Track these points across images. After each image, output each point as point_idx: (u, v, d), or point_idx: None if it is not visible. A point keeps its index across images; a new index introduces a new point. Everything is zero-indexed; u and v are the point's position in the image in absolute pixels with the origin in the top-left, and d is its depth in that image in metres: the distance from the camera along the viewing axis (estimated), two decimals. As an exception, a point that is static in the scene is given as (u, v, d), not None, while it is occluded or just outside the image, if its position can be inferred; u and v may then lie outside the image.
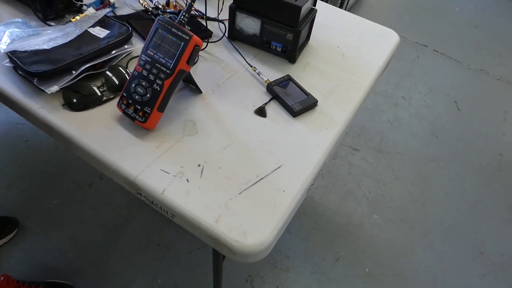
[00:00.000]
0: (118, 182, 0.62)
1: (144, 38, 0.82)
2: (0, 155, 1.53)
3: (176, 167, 0.61)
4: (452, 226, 1.56)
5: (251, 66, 0.80)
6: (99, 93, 0.69)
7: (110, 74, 0.71)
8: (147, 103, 0.63)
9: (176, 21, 0.62)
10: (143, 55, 0.63)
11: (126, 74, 0.71)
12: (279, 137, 0.69)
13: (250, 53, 0.85)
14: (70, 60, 0.68)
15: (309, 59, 0.86)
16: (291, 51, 0.82)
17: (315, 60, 0.86)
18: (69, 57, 0.68)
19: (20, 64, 0.66)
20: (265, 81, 0.77)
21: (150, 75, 0.62)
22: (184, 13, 0.62)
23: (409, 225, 1.54)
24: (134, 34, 0.80)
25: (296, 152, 0.66)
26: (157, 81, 0.62)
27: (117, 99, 0.69)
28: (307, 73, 0.82)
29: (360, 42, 0.94)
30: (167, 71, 0.61)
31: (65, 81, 0.67)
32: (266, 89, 0.77)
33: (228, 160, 0.63)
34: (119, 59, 0.75)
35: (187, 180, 0.59)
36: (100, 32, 0.75)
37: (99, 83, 0.71)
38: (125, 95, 0.64)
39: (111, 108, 0.68)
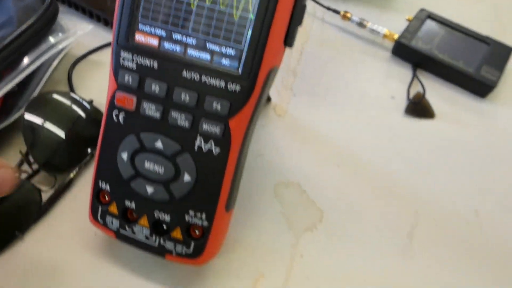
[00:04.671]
0: None
1: (88, 14, 0.36)
2: None
3: None
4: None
5: (338, 12, 0.38)
6: (32, 186, 0.25)
7: (37, 122, 0.27)
8: (190, 204, 0.20)
9: None
10: (124, 55, 0.19)
11: (78, 110, 0.27)
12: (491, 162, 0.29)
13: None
14: None
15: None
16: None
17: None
18: None
19: None
20: (383, 35, 0.36)
21: (176, 116, 0.19)
22: None
23: None
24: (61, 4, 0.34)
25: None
26: (207, 126, 0.19)
27: (74, 191, 0.26)
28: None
29: None
30: (233, 86, 0.18)
31: None
32: (393, 52, 0.35)
33: None
34: (47, 74, 0.30)
35: None
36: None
37: (17, 152, 0.27)
38: (114, 193, 0.21)
39: (73, 223, 0.25)
